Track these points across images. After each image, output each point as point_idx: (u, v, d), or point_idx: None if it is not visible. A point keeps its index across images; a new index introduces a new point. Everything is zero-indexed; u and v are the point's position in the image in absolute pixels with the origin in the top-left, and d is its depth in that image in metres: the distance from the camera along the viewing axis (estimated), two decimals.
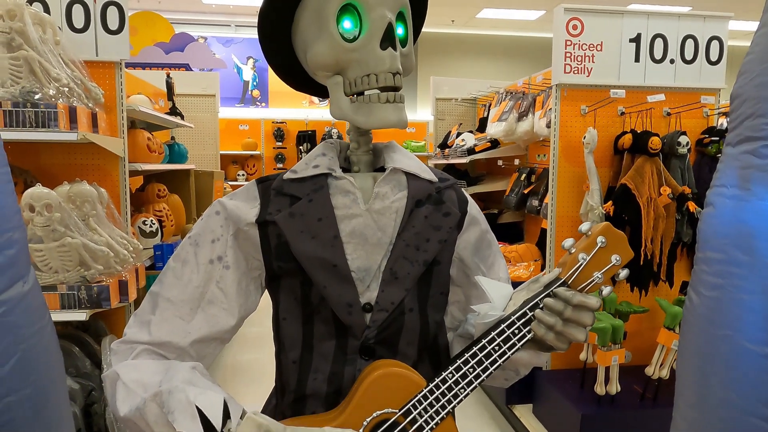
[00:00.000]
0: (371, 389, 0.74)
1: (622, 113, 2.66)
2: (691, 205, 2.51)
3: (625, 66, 2.63)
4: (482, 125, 4.01)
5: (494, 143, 3.63)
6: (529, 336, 0.76)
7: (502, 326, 0.76)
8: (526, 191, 3.31)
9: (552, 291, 0.76)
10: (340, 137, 6.59)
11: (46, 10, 2.18)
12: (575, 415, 2.31)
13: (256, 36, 0.91)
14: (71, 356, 2.05)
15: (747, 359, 0.79)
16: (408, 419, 0.74)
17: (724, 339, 0.82)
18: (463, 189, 3.55)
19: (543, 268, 3.03)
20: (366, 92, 0.82)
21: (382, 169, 0.88)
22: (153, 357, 0.80)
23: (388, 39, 0.80)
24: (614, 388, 2.30)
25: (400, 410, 0.73)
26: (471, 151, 3.68)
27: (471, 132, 4.10)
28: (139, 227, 2.71)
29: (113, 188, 2.26)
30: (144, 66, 5.05)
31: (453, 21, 8.83)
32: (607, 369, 2.30)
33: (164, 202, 3.10)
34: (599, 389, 2.31)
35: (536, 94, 3.10)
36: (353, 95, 0.83)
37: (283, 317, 0.86)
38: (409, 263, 0.83)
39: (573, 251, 0.76)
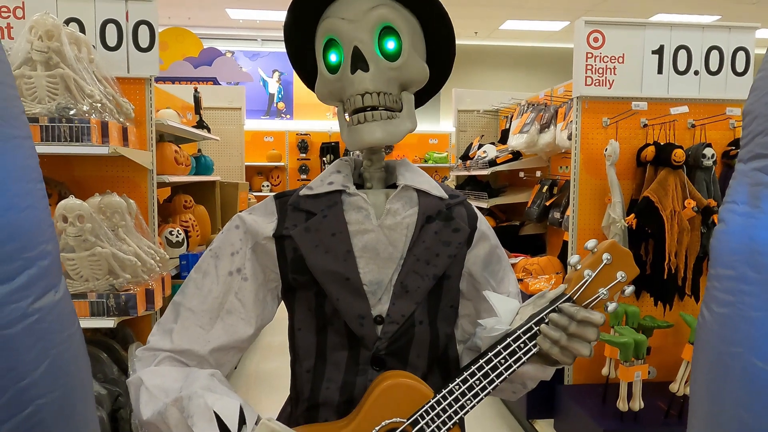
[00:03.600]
0: (380, 399, 0.76)
1: (645, 125, 2.64)
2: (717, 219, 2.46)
3: (647, 78, 2.61)
4: (504, 137, 4.01)
5: (516, 155, 3.62)
6: (534, 350, 0.77)
7: (508, 340, 0.77)
8: (548, 203, 3.29)
9: (557, 306, 0.78)
10: None
11: (82, 29, 2.29)
12: None
13: (282, 50, 0.98)
14: (99, 362, 2.12)
15: (758, 378, 0.79)
16: (415, 429, 0.75)
17: (735, 356, 0.81)
18: (482, 202, 3.47)
19: None
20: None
21: (395, 186, 0.91)
22: (174, 364, 0.84)
23: (356, 62, 0.83)
24: (637, 404, 2.26)
25: (407, 420, 0.75)
26: (493, 162, 3.68)
27: (493, 144, 4.10)
28: (165, 237, 2.79)
29: (142, 199, 2.34)
30: (174, 80, 5.20)
31: (476, 33, 8.86)
32: (630, 385, 2.26)
33: (190, 213, 3.18)
34: (622, 405, 2.27)
35: (558, 105, 3.09)
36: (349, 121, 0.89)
37: (298, 328, 0.89)
38: (419, 277, 0.85)
39: (579, 267, 0.78)
